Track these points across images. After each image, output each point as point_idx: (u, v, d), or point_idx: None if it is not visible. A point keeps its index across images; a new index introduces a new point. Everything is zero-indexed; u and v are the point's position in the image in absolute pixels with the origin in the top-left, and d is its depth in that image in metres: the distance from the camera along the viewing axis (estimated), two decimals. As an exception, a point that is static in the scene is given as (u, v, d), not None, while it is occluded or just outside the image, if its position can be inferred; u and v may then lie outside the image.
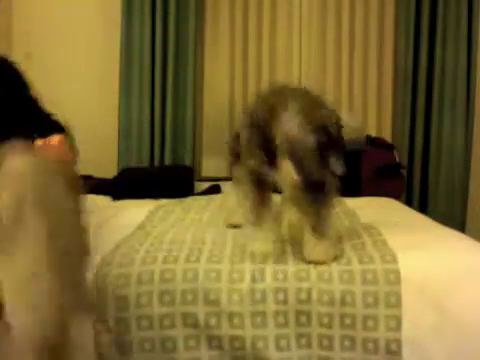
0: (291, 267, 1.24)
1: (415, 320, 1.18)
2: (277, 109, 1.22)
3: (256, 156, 1.26)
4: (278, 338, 1.19)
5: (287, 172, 1.20)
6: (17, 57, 3.30)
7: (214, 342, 1.19)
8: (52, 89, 3.24)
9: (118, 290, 1.22)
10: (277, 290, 1.20)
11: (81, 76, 3.42)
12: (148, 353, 1.20)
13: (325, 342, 1.19)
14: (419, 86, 3.16)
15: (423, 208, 3.09)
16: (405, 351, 1.17)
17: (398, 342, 1.17)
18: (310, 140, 1.19)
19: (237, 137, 1.39)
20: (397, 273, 1.21)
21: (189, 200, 2.17)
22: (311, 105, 1.28)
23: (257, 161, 1.27)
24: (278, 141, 1.20)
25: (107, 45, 3.35)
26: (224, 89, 3.36)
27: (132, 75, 3.23)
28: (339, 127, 1.27)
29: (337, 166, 1.30)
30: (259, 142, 1.25)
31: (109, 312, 1.21)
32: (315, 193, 1.22)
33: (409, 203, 2.99)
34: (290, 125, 1.19)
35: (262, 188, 1.32)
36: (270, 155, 1.23)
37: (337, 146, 1.25)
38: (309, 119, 1.21)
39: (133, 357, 1.20)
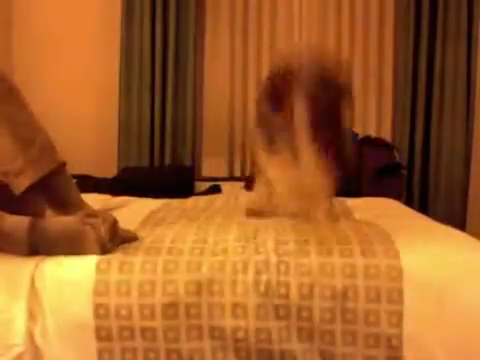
0: (293, 260, 1.24)
1: (416, 316, 1.18)
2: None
3: (266, 107, 1.38)
4: (280, 331, 1.19)
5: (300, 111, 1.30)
6: (17, 58, 3.32)
7: (216, 332, 1.19)
8: (52, 90, 3.25)
9: (121, 276, 1.23)
10: (279, 284, 1.20)
11: (81, 76, 3.42)
12: (150, 342, 1.20)
13: (327, 337, 1.19)
14: (419, 86, 3.17)
15: (423, 208, 3.10)
16: (406, 346, 1.17)
17: (399, 338, 1.18)
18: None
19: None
20: (399, 269, 1.21)
21: (190, 200, 2.16)
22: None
23: (267, 114, 1.38)
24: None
25: (107, 45, 3.36)
26: (224, 89, 3.36)
27: (132, 75, 3.24)
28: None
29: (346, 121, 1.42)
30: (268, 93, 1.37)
31: (111, 298, 1.21)
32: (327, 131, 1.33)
33: (409, 203, 2.99)
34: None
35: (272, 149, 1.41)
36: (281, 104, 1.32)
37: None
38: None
39: (135, 344, 1.20)
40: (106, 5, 3.38)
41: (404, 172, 3.09)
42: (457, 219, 3.11)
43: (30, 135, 1.33)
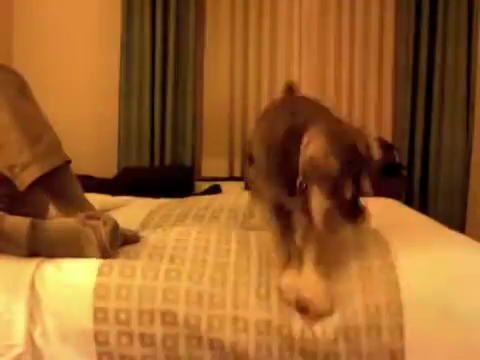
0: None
1: (417, 327, 1.17)
2: (298, 131, 1.13)
3: (277, 185, 1.20)
4: (281, 348, 1.18)
5: (316, 200, 1.10)
6: (17, 58, 3.31)
7: (216, 344, 1.18)
8: (52, 89, 3.24)
9: (122, 281, 1.22)
10: (282, 302, 1.19)
11: (81, 76, 3.42)
12: (148, 348, 1.20)
13: (331, 357, 1.17)
14: (419, 86, 3.17)
15: (423, 208, 3.10)
16: (408, 358, 1.16)
17: (401, 351, 1.16)
18: (337, 162, 1.08)
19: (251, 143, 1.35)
20: (396, 281, 1.20)
21: (190, 200, 2.16)
22: (334, 122, 1.18)
23: (278, 190, 1.21)
24: (302, 167, 1.11)
25: (107, 45, 3.36)
26: (224, 89, 3.36)
27: (132, 75, 3.24)
28: (367, 145, 1.16)
29: (367, 187, 1.18)
30: (279, 169, 1.18)
31: (111, 301, 1.20)
32: (350, 220, 1.11)
33: (409, 203, 2.98)
34: (314, 147, 1.09)
35: (284, 219, 1.25)
36: (291, 183, 1.15)
37: (367, 165, 1.13)
38: (335, 138, 1.10)
39: (133, 350, 1.19)
40: (106, 5, 3.37)
41: (404, 172, 3.08)
42: (457, 219, 3.11)
43: (39, 131, 1.35)
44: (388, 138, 3.24)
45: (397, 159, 3.03)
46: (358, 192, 1.11)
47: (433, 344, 1.16)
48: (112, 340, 1.18)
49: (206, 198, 2.23)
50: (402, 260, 1.24)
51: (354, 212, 1.10)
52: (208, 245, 1.33)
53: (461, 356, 1.16)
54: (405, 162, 3.16)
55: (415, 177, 3.20)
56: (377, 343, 1.16)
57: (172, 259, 1.26)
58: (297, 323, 1.17)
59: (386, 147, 3.04)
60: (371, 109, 3.31)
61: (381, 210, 1.92)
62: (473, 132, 3.17)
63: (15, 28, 3.40)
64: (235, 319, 1.18)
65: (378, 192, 2.50)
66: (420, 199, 3.21)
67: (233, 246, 1.35)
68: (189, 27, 3.22)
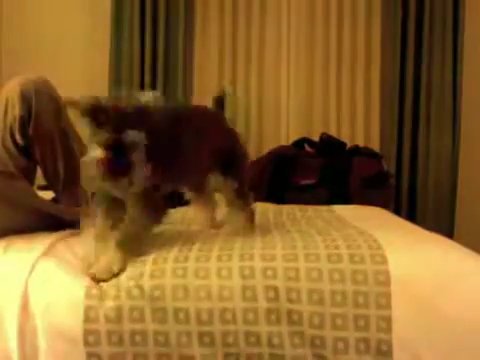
0: (280, 264, 1.23)
1: (405, 321, 1.18)
2: None
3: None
4: (271, 335, 1.19)
5: None
6: (6, 54, 3.28)
7: (206, 338, 1.19)
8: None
9: (112, 280, 1.24)
10: (267, 288, 1.20)
11: (74, 76, 3.40)
12: (140, 346, 1.19)
13: (317, 341, 1.18)
14: (406, 95, 3.20)
15: (411, 217, 3.11)
16: (395, 352, 1.17)
17: (388, 343, 1.17)
18: None
19: None
20: (387, 274, 1.21)
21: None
22: None
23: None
24: None
25: (96, 52, 3.35)
26: (213, 92, 3.36)
27: (121, 79, 3.24)
28: None
29: None
30: None
31: (101, 302, 1.20)
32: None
33: (397, 212, 2.99)
34: None
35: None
36: None
37: None
38: None
39: (124, 348, 1.19)
40: (96, 6, 3.37)
41: (393, 182, 3.09)
42: (445, 228, 3.11)
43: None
44: (376, 147, 3.25)
45: (385, 169, 3.04)
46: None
47: (420, 339, 1.18)
48: (102, 340, 1.18)
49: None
50: (392, 255, 1.25)
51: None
52: (192, 244, 1.34)
53: (446, 352, 1.17)
54: (393, 171, 3.17)
55: (403, 186, 3.22)
56: (364, 333, 1.17)
57: (155, 260, 1.27)
58: (284, 305, 1.19)
59: (374, 156, 3.05)
60: (359, 118, 3.31)
61: (369, 217, 1.93)
62: (460, 140, 3.20)
63: (4, 27, 3.37)
64: (223, 310, 1.18)
65: (366, 202, 2.53)
66: (408, 208, 3.22)
67: (218, 238, 1.37)
68: (179, 38, 3.23)
